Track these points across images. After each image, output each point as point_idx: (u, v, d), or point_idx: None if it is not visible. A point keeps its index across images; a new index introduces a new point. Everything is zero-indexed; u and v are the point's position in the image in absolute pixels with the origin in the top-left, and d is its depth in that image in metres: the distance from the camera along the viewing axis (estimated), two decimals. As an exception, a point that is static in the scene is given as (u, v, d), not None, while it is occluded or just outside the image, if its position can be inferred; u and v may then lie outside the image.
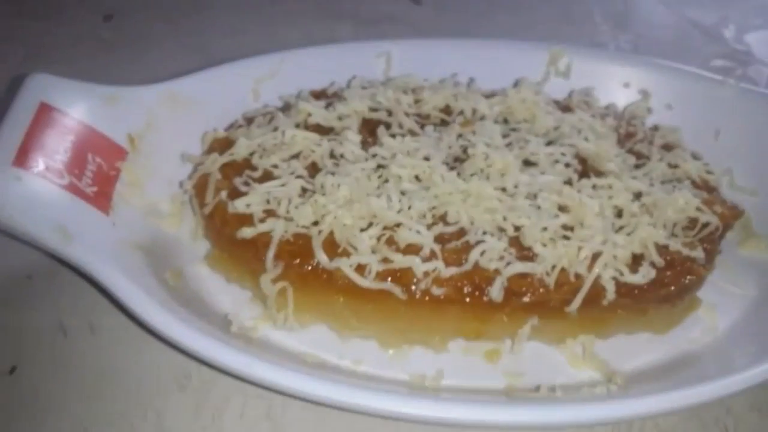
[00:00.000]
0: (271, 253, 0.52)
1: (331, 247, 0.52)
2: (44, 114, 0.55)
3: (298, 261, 0.51)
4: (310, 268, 0.51)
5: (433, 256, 0.51)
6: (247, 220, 0.54)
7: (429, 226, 0.52)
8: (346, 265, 0.50)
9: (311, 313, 0.53)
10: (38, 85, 0.57)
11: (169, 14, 0.91)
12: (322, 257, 0.51)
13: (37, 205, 0.50)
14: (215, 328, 0.51)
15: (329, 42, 0.83)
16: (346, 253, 0.51)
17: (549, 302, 0.50)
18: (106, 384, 0.53)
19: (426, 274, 0.50)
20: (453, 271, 0.50)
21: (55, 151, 0.54)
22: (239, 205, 0.54)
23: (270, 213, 0.54)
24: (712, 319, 0.57)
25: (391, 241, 0.52)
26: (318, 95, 0.66)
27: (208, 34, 0.88)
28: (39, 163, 0.52)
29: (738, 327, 0.56)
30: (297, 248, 0.52)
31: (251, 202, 0.54)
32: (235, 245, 0.54)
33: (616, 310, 0.52)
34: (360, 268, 0.50)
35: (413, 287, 0.50)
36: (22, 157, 0.51)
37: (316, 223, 0.53)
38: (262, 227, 0.53)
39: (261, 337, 0.54)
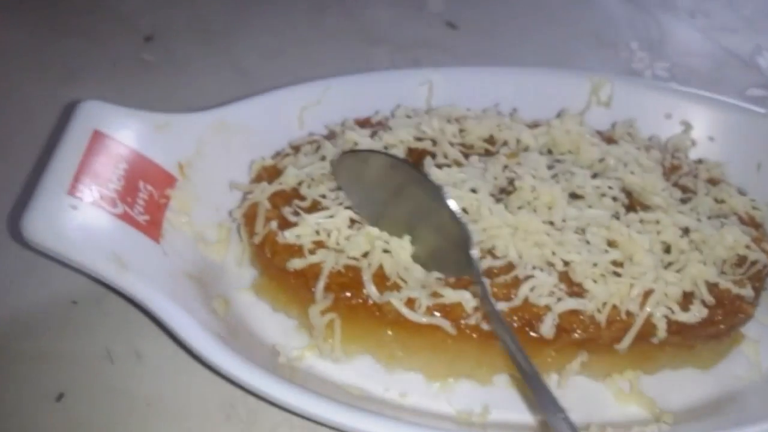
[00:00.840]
0: (321, 285, 0.52)
1: (381, 279, 0.52)
2: (97, 141, 0.56)
3: (347, 293, 0.52)
4: (359, 300, 0.52)
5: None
6: (296, 250, 0.54)
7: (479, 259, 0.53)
8: (396, 299, 0.50)
9: (358, 344, 0.53)
10: (91, 113, 0.58)
11: (208, 35, 0.91)
12: (372, 290, 0.51)
13: (92, 234, 0.50)
14: (263, 358, 0.52)
15: (366, 65, 0.86)
16: (396, 287, 0.51)
17: (599, 339, 0.50)
18: (153, 412, 0.53)
19: (475, 309, 0.50)
20: (502, 306, 0.50)
21: (108, 179, 0.54)
22: (289, 236, 0.54)
23: (319, 244, 0.54)
24: (755, 356, 0.57)
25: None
26: (363, 123, 0.66)
27: (246, 55, 0.89)
28: (94, 192, 0.53)
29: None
30: (347, 280, 0.52)
31: (301, 233, 0.54)
32: (285, 275, 0.54)
33: (664, 347, 0.52)
34: (410, 302, 0.51)
35: (462, 322, 0.50)
36: (77, 186, 0.52)
37: (365, 255, 0.53)
38: (312, 258, 0.53)
39: (307, 366, 0.54)
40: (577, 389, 0.53)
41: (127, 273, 0.49)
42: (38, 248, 0.49)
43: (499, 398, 0.53)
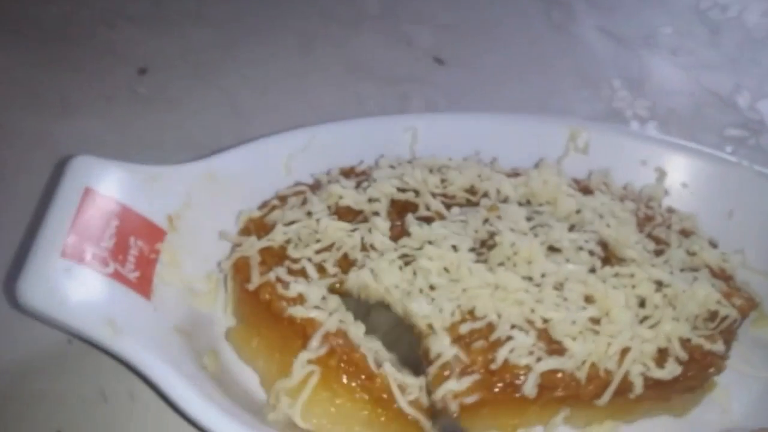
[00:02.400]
0: (319, 334, 0.53)
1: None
2: (89, 199, 0.57)
3: (341, 350, 0.52)
4: (352, 361, 0.52)
5: (444, 369, 0.52)
6: (297, 300, 0.55)
7: (457, 324, 0.54)
8: (392, 377, 0.52)
9: (319, 412, 0.53)
10: (82, 169, 0.58)
11: (200, 68, 0.93)
12: (369, 356, 0.52)
13: (86, 298, 0.51)
14: (252, 412, 0.53)
15: (355, 99, 0.89)
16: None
17: (580, 395, 0.52)
18: None
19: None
20: (473, 379, 0.52)
21: (100, 238, 0.55)
22: (297, 288, 0.56)
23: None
24: (726, 401, 0.59)
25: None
26: (347, 173, 0.68)
27: (237, 88, 0.90)
28: (86, 253, 0.54)
29: (752, 409, 0.59)
30: (345, 342, 0.53)
31: (308, 293, 0.56)
32: (278, 321, 0.55)
33: (642, 401, 0.54)
34: (402, 387, 0.52)
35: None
36: (70, 247, 0.53)
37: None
38: (315, 313, 0.54)
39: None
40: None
41: (121, 337, 0.50)
42: (34, 314, 0.50)
43: None
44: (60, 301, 0.50)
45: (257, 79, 0.92)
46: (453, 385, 0.51)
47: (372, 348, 0.54)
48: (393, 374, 0.52)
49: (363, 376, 0.52)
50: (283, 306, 0.55)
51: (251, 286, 0.57)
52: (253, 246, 0.59)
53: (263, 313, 0.56)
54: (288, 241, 0.60)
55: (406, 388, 0.52)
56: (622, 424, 0.56)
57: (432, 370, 0.52)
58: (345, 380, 0.52)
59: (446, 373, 0.52)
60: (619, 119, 0.89)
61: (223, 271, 0.61)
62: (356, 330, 0.54)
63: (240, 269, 0.59)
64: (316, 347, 0.52)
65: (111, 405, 0.58)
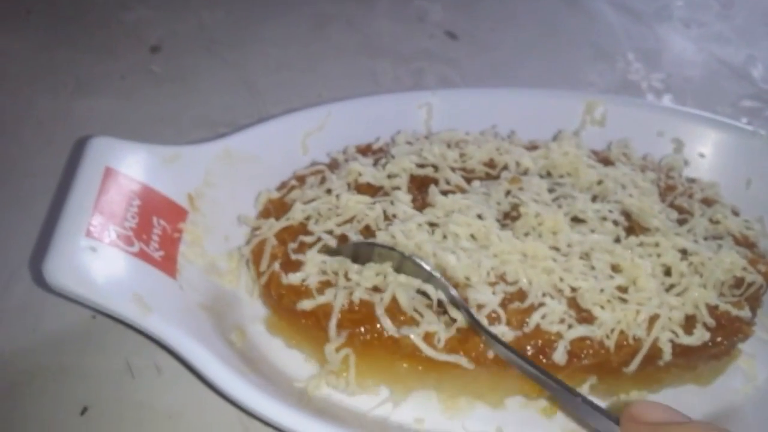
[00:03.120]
0: (333, 323, 0.53)
1: (394, 313, 0.53)
2: (110, 179, 0.57)
3: (361, 329, 0.53)
4: (374, 335, 0.52)
5: (496, 318, 0.53)
6: (303, 291, 0.55)
7: (492, 284, 0.54)
8: (414, 334, 0.52)
9: (372, 377, 0.54)
10: (101, 149, 0.58)
11: (214, 46, 0.93)
12: (388, 324, 0.52)
13: (113, 276, 0.51)
14: (280, 388, 0.53)
15: (370, 77, 0.88)
16: (412, 321, 0.53)
17: (608, 363, 0.52)
18: (173, 425, 0.55)
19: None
20: (515, 334, 0.52)
21: (123, 217, 0.55)
22: (293, 279, 0.55)
23: (325, 283, 0.55)
24: (752, 369, 0.59)
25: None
26: (364, 151, 0.68)
27: (251, 66, 0.90)
28: (111, 232, 0.53)
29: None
30: (360, 316, 0.53)
31: (307, 274, 0.55)
32: (294, 315, 0.55)
33: (669, 368, 0.54)
34: (428, 337, 0.52)
35: (481, 350, 0.52)
36: (94, 227, 0.53)
37: (375, 289, 0.54)
38: (321, 299, 0.54)
39: (323, 395, 0.55)
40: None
41: (150, 314, 0.50)
42: (62, 293, 0.50)
43: (512, 420, 0.54)
44: (88, 280, 0.50)
45: (271, 56, 0.92)
46: (503, 330, 0.52)
47: (386, 296, 0.53)
48: (414, 332, 0.52)
49: (389, 342, 0.52)
50: (292, 301, 0.55)
51: (262, 280, 0.57)
52: (271, 228, 0.59)
53: (281, 309, 0.57)
54: (308, 218, 0.60)
55: (434, 335, 0.52)
56: (647, 393, 0.56)
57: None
58: (376, 350, 0.53)
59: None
60: (635, 91, 0.89)
61: (245, 256, 0.61)
62: (366, 282, 0.54)
63: (257, 257, 0.59)
64: (335, 336, 0.53)
65: (138, 379, 0.58)
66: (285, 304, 0.56)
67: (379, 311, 0.53)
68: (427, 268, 0.54)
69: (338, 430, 0.48)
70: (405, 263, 0.55)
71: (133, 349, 0.59)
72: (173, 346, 0.49)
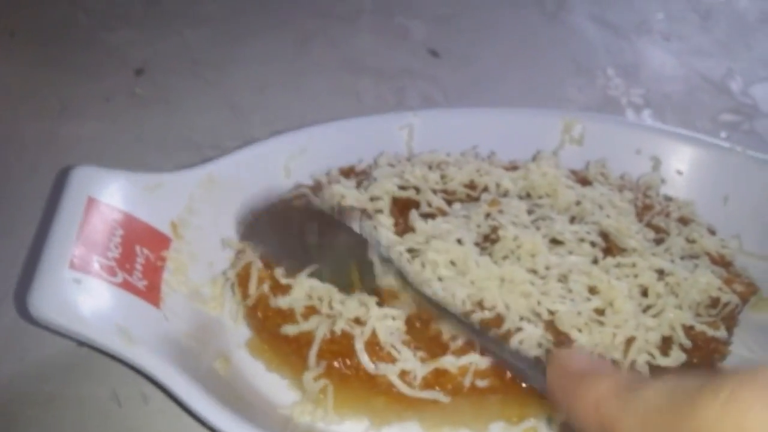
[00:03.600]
0: (313, 352, 0.54)
1: (374, 347, 0.53)
2: (93, 209, 0.57)
3: (339, 362, 0.53)
4: (352, 369, 0.53)
5: (471, 347, 0.53)
6: (289, 315, 0.56)
7: (468, 313, 0.55)
8: (391, 373, 0.52)
9: (350, 408, 0.55)
10: (83, 179, 0.58)
11: (197, 67, 0.93)
12: (365, 361, 0.53)
13: (97, 308, 0.52)
14: (264, 416, 0.54)
15: (352, 96, 0.89)
16: (389, 358, 0.53)
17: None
18: None
19: (463, 369, 0.52)
20: (489, 360, 0.53)
21: (107, 247, 0.56)
22: (282, 303, 0.56)
23: (311, 309, 0.56)
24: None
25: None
26: (347, 173, 0.68)
27: (235, 87, 0.91)
28: (94, 263, 0.54)
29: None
30: (339, 348, 0.54)
31: (294, 298, 0.56)
32: (277, 339, 0.56)
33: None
34: (404, 374, 0.53)
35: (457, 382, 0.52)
36: (77, 258, 0.53)
37: (357, 321, 0.55)
38: (304, 326, 0.55)
39: (308, 422, 0.56)
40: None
41: (134, 345, 0.50)
42: (46, 325, 0.50)
43: None
44: (72, 313, 0.50)
45: (255, 77, 0.92)
46: (476, 358, 0.52)
47: (366, 330, 0.54)
48: (391, 370, 0.52)
49: (366, 378, 0.53)
50: (277, 324, 0.56)
51: (249, 301, 0.58)
52: (256, 252, 0.60)
53: (265, 331, 0.57)
54: (290, 245, 0.60)
55: (408, 374, 0.53)
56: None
57: (453, 346, 0.53)
58: (354, 384, 0.53)
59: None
60: (615, 107, 0.90)
61: (230, 280, 0.61)
62: (349, 315, 0.55)
63: (243, 279, 0.60)
64: (314, 366, 0.54)
65: (125, 408, 0.58)
66: (269, 327, 0.56)
67: (359, 346, 0.53)
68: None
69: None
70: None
71: (119, 378, 0.59)
72: (158, 378, 0.50)
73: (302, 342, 0.55)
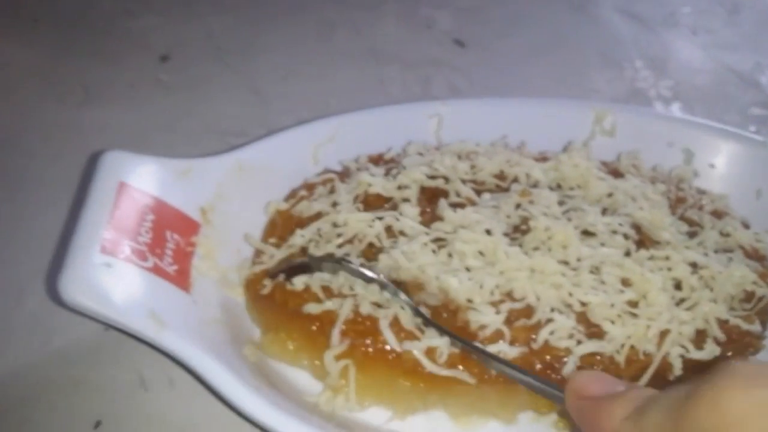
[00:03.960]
0: (337, 330, 0.53)
1: (398, 327, 0.53)
2: (123, 194, 0.57)
3: (364, 340, 0.53)
4: (376, 347, 0.53)
5: (500, 336, 0.53)
6: (309, 295, 0.56)
7: (497, 303, 0.54)
8: (417, 349, 0.52)
9: (373, 393, 0.54)
10: (114, 164, 0.59)
11: (221, 54, 0.93)
12: (390, 338, 0.52)
13: (129, 292, 0.52)
14: (293, 403, 0.53)
15: (377, 85, 0.88)
16: (413, 337, 0.53)
17: (619, 378, 0.52)
18: None
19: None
20: (520, 350, 0.52)
21: (137, 232, 0.56)
22: (297, 283, 0.56)
23: (330, 292, 0.56)
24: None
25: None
26: (376, 161, 0.68)
27: (259, 74, 0.90)
28: (125, 248, 0.54)
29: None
30: (364, 328, 0.53)
31: (313, 278, 0.56)
32: (298, 320, 0.55)
33: (679, 382, 0.54)
34: (430, 351, 0.52)
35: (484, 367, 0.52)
36: (109, 243, 0.53)
37: (378, 305, 0.54)
38: (328, 304, 0.54)
39: (332, 409, 0.55)
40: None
41: (165, 330, 0.50)
42: (77, 309, 0.50)
43: None
44: (103, 297, 0.50)
45: (279, 64, 0.92)
46: (505, 347, 0.52)
47: (389, 312, 0.54)
48: (417, 346, 0.52)
49: (391, 357, 0.52)
50: (297, 304, 0.55)
51: (265, 290, 0.57)
52: (273, 257, 0.60)
53: (284, 316, 0.56)
54: (309, 241, 0.60)
55: (436, 350, 0.52)
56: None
57: (481, 336, 0.53)
58: (377, 364, 0.53)
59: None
60: (643, 99, 0.89)
61: (241, 280, 0.61)
62: (371, 297, 0.54)
63: (250, 281, 0.60)
64: (337, 344, 0.53)
65: (151, 392, 0.58)
66: (291, 308, 0.56)
67: (383, 324, 0.53)
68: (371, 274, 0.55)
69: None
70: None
71: (145, 362, 0.59)
72: (189, 363, 0.50)
73: (324, 321, 0.54)
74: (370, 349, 0.53)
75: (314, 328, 0.55)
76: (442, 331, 0.53)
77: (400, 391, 0.53)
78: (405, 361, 0.52)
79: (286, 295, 0.56)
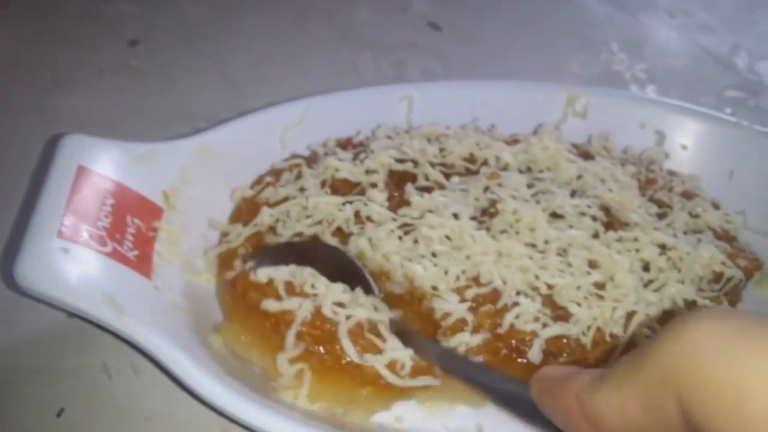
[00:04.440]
0: (292, 333, 0.51)
1: (356, 335, 0.51)
2: (82, 178, 0.56)
3: (320, 348, 0.50)
4: (333, 356, 0.50)
5: (463, 324, 0.52)
6: (271, 291, 0.53)
7: (463, 289, 0.54)
8: (379, 363, 0.50)
9: (328, 400, 0.51)
10: (74, 147, 0.57)
11: (192, 39, 0.92)
12: (350, 349, 0.50)
13: (86, 278, 0.50)
14: (262, 394, 0.52)
15: (351, 70, 0.87)
16: (375, 348, 0.51)
17: (585, 360, 0.52)
18: (152, 428, 0.55)
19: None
20: (484, 336, 0.51)
21: (96, 217, 0.54)
22: (261, 275, 0.53)
23: (290, 287, 0.53)
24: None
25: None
26: (344, 145, 0.67)
27: (232, 60, 0.89)
28: (83, 232, 0.53)
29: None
30: (322, 333, 0.51)
31: (277, 271, 0.54)
32: (255, 315, 0.53)
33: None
34: (392, 364, 0.50)
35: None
36: (66, 227, 0.52)
37: (340, 305, 0.52)
38: (286, 304, 0.52)
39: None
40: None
41: (124, 316, 0.49)
42: (33, 294, 0.49)
43: (493, 416, 0.53)
44: (60, 282, 0.49)
45: (250, 49, 0.91)
46: (466, 338, 0.51)
47: (353, 317, 0.51)
48: (378, 360, 0.50)
49: (349, 367, 0.50)
50: (256, 298, 0.53)
51: (229, 275, 0.56)
52: (239, 235, 0.59)
53: (242, 307, 0.54)
54: (277, 220, 0.59)
55: (397, 364, 0.50)
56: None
57: (444, 325, 0.52)
58: (335, 372, 0.50)
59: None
60: (619, 82, 0.88)
61: (209, 261, 0.60)
62: (333, 298, 0.52)
63: (225, 260, 0.58)
64: (292, 347, 0.51)
65: (115, 380, 0.57)
66: (249, 300, 0.53)
67: (342, 332, 0.50)
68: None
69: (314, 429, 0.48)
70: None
71: (110, 351, 0.58)
72: (148, 349, 0.49)
73: (281, 321, 0.51)
74: (327, 357, 0.50)
75: (268, 326, 0.52)
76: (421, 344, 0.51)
77: (359, 396, 0.51)
78: (366, 374, 0.50)
79: (246, 285, 0.54)
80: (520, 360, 0.51)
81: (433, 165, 0.64)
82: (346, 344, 0.50)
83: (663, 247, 0.58)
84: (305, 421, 0.48)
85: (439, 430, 0.54)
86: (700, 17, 1.00)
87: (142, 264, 0.55)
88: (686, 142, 0.70)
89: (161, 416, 0.55)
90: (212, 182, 0.63)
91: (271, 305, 0.52)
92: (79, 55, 0.88)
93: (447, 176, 0.63)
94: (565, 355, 0.52)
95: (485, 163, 0.65)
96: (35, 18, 0.93)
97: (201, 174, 0.63)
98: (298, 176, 0.63)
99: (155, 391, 0.57)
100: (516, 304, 0.53)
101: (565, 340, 0.52)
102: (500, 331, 0.52)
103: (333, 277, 0.55)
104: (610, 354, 0.52)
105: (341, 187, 0.62)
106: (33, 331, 0.60)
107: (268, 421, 0.47)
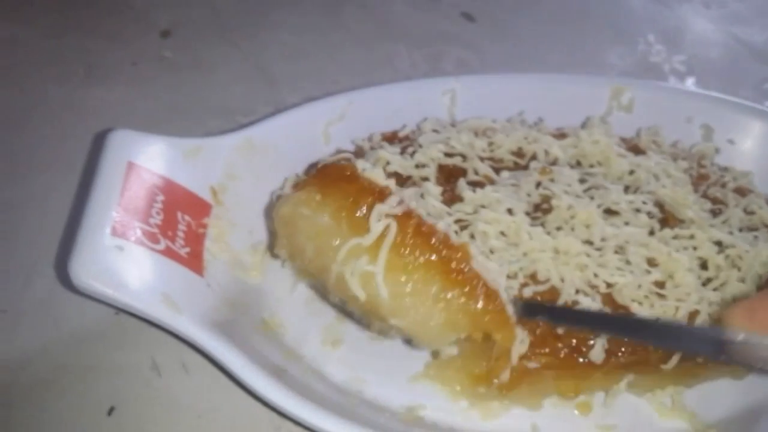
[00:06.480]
0: (396, 196, 0.51)
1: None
2: (132, 174, 0.55)
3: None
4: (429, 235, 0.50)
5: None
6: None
7: (521, 287, 0.53)
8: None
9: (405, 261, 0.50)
10: (122, 143, 0.57)
11: (225, 31, 0.90)
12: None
13: (141, 276, 0.50)
14: (315, 390, 0.52)
15: (386, 63, 0.86)
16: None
17: (646, 360, 0.51)
18: (205, 425, 0.54)
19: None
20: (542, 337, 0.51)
21: (148, 214, 0.54)
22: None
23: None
24: (786, 360, 0.58)
25: None
26: (390, 138, 0.66)
27: (265, 51, 0.88)
28: (136, 230, 0.52)
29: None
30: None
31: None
32: (352, 182, 0.53)
33: (707, 363, 0.53)
34: None
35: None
36: (119, 225, 0.51)
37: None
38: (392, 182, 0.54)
39: (356, 392, 0.54)
40: (622, 406, 0.54)
41: (180, 315, 0.49)
42: (89, 294, 0.48)
43: (547, 417, 0.54)
44: (115, 281, 0.49)
45: (284, 41, 0.90)
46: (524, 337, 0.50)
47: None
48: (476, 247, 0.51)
49: (442, 247, 0.50)
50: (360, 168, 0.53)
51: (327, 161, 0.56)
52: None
53: (332, 181, 0.53)
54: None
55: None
56: (683, 389, 0.55)
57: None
58: (422, 247, 0.49)
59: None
60: (657, 74, 0.87)
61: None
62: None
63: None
64: (393, 204, 0.50)
65: (164, 377, 0.57)
66: (349, 170, 0.54)
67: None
68: None
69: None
70: None
71: (158, 347, 0.58)
72: (206, 349, 0.49)
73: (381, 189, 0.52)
74: (423, 227, 0.50)
75: (365, 189, 0.52)
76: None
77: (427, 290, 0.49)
78: (455, 258, 0.50)
79: (352, 171, 0.54)
80: (581, 360, 0.51)
81: (481, 159, 0.63)
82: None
83: (719, 245, 0.57)
84: (354, 416, 0.48)
85: (496, 430, 0.53)
86: (735, 8, 0.99)
87: (194, 261, 0.55)
88: (734, 136, 0.69)
89: (211, 412, 0.55)
90: (258, 177, 0.63)
91: (378, 174, 0.53)
92: (112, 48, 0.87)
93: (496, 171, 0.62)
94: (627, 354, 0.51)
95: (534, 157, 0.64)
96: (64, 11, 0.92)
97: (247, 169, 0.62)
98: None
99: (205, 388, 0.56)
100: (576, 302, 0.52)
101: (626, 340, 0.51)
102: (559, 330, 0.51)
103: None
104: (671, 354, 0.51)
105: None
106: (80, 327, 0.60)
107: (322, 418, 0.47)
